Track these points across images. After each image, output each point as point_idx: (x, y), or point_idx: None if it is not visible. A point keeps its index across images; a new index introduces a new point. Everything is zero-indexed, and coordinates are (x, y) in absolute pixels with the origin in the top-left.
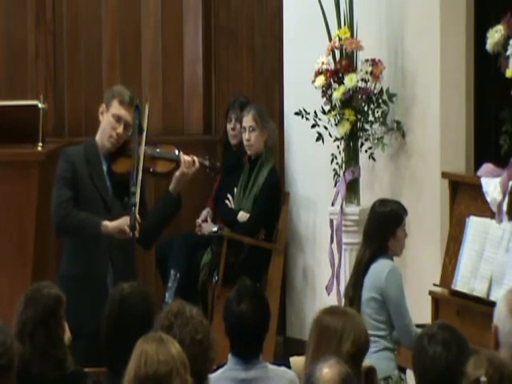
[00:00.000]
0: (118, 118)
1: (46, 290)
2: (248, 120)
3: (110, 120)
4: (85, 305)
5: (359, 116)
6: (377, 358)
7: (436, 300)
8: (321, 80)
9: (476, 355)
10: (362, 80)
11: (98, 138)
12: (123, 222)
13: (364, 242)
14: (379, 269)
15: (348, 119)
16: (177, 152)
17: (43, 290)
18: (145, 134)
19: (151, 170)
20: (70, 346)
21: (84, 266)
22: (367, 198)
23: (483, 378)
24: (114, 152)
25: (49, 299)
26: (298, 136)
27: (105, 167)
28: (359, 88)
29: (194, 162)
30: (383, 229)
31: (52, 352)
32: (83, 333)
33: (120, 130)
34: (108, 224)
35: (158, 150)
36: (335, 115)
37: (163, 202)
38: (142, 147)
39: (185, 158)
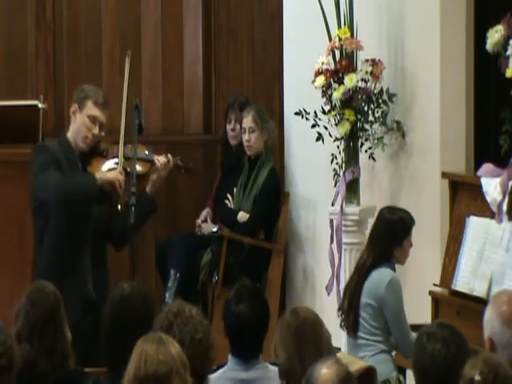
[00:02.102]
0: (94, 119)
1: (47, 288)
2: (248, 121)
3: (84, 121)
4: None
5: (359, 116)
6: (374, 362)
7: (436, 300)
8: (321, 80)
9: (474, 356)
10: (362, 80)
11: (70, 137)
12: (116, 175)
13: (368, 246)
14: (380, 277)
15: (348, 119)
16: (147, 152)
17: (45, 289)
18: (123, 133)
19: (128, 170)
20: None
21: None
22: (367, 198)
23: (477, 377)
24: (87, 152)
25: (51, 297)
26: (298, 136)
27: (80, 168)
28: (359, 88)
29: (168, 161)
30: (390, 238)
31: (59, 348)
32: None
33: (96, 130)
34: (98, 176)
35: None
36: (335, 115)
37: (141, 204)
38: (121, 147)
39: (160, 159)
